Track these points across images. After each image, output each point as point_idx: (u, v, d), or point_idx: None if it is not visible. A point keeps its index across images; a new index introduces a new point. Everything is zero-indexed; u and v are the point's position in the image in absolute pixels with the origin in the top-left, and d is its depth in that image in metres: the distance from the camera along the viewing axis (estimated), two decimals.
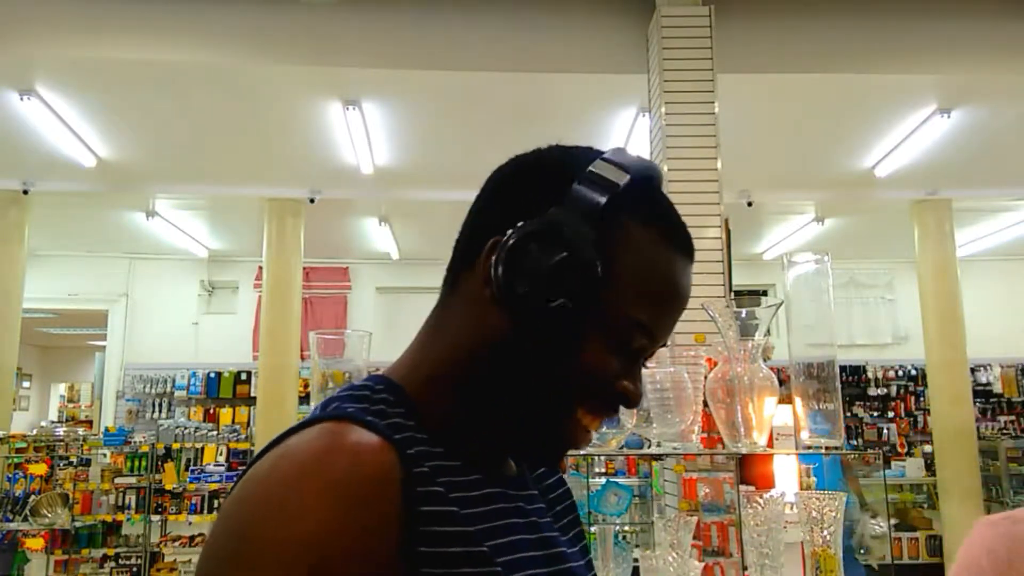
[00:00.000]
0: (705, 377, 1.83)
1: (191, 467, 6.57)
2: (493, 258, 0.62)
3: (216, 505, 6.51)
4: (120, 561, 6.32)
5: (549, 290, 0.60)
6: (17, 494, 5.95)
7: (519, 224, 0.62)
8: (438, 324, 0.69)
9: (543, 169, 0.67)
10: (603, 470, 6.88)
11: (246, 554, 0.52)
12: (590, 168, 0.63)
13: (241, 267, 9.06)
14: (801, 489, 1.91)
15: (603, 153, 0.66)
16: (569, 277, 0.60)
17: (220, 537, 0.55)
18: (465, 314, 0.66)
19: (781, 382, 1.76)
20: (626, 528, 4.90)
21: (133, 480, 6.33)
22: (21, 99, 4.76)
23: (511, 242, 0.61)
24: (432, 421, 0.65)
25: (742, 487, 1.99)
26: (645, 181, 0.65)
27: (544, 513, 0.74)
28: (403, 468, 0.57)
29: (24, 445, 6.31)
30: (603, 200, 0.62)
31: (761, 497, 1.68)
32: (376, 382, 0.66)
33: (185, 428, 6.96)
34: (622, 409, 0.68)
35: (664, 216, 0.66)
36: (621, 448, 1.84)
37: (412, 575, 0.55)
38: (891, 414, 8.91)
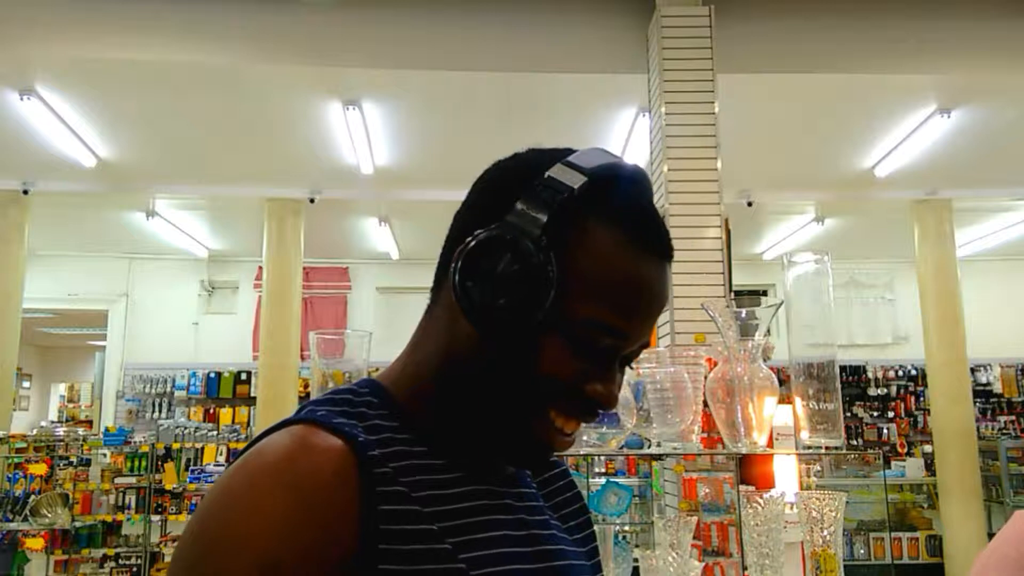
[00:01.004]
0: (705, 377, 1.83)
1: (191, 467, 6.57)
2: (453, 266, 0.63)
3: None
4: (120, 561, 6.32)
5: (500, 297, 0.60)
6: (17, 494, 5.95)
7: (476, 231, 0.62)
8: (423, 329, 0.71)
9: (509, 174, 0.67)
10: (603, 470, 6.88)
11: (202, 551, 0.55)
12: (547, 172, 0.63)
13: (241, 267, 9.06)
14: (801, 489, 1.91)
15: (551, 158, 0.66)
16: (518, 283, 0.60)
17: (185, 534, 0.57)
18: (442, 320, 0.67)
19: (781, 382, 1.76)
20: (626, 528, 4.89)
21: (133, 480, 6.33)
22: (21, 99, 4.76)
23: (465, 250, 0.62)
24: (416, 422, 0.66)
25: (742, 487, 1.99)
26: (609, 181, 0.64)
27: (540, 510, 0.74)
28: (362, 469, 0.58)
29: (24, 445, 6.31)
30: (554, 204, 0.61)
31: (761, 497, 1.68)
32: (361, 385, 0.68)
33: (185, 428, 6.96)
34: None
35: (631, 215, 0.65)
36: (621, 448, 1.84)
37: (371, 573, 0.56)
38: (891, 414, 8.91)
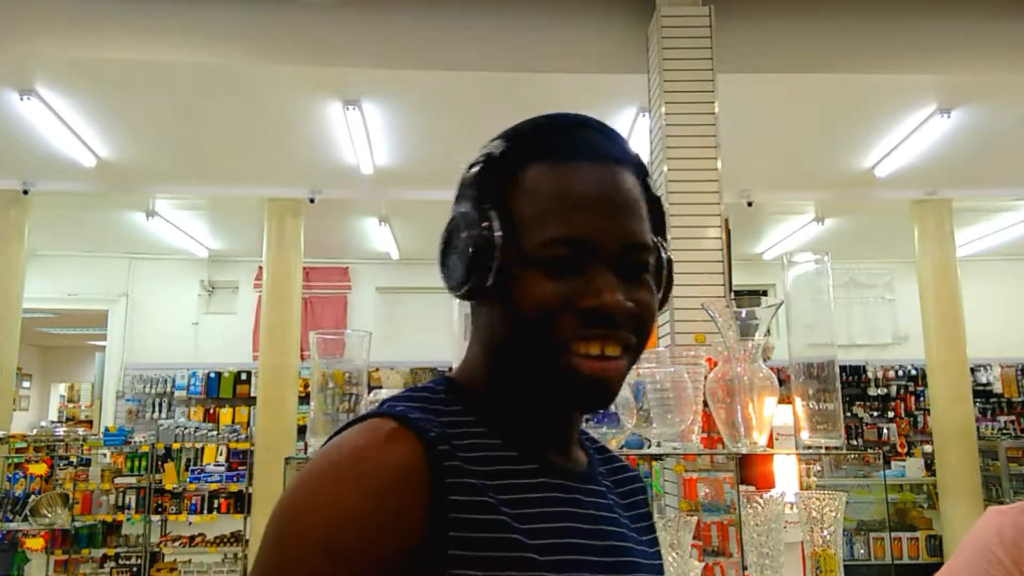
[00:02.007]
0: (705, 377, 1.83)
1: (191, 467, 6.57)
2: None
3: (216, 505, 6.52)
4: (120, 561, 6.32)
5: (463, 267, 0.69)
6: (17, 494, 5.95)
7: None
8: (473, 328, 0.77)
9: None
10: None
11: (277, 534, 0.60)
12: (482, 154, 0.72)
13: (241, 267, 9.06)
14: (801, 489, 1.91)
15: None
16: (468, 249, 0.68)
17: (270, 518, 0.62)
18: (474, 315, 0.75)
19: (781, 382, 1.76)
20: None
21: (133, 480, 6.33)
22: (21, 99, 4.76)
23: (440, 247, 0.73)
24: (488, 416, 0.70)
25: (742, 487, 1.99)
26: (527, 131, 0.72)
27: (610, 507, 0.76)
28: (432, 462, 0.62)
29: (24, 445, 6.31)
30: (482, 175, 0.71)
31: (761, 497, 1.68)
32: (438, 383, 0.73)
33: (185, 428, 6.96)
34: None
35: (549, 144, 0.71)
36: (621, 448, 1.84)
37: (441, 558, 0.59)
38: (891, 414, 8.91)
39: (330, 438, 0.66)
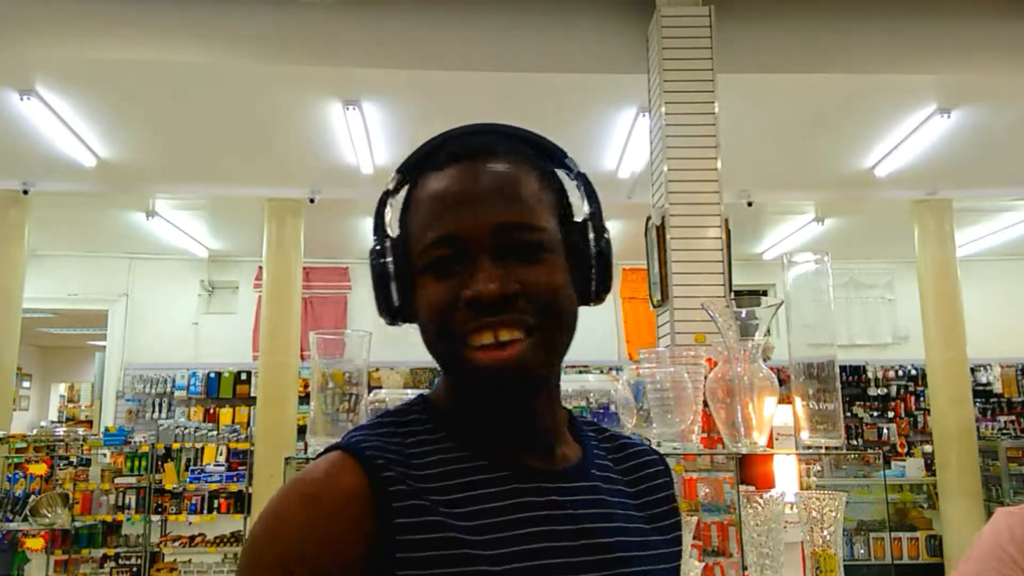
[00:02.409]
0: (705, 377, 1.83)
1: (191, 467, 6.56)
2: None
3: (216, 505, 6.52)
4: (120, 561, 6.32)
5: (380, 293, 0.76)
6: (17, 494, 5.95)
7: None
8: None
9: None
10: None
11: (245, 548, 0.68)
12: (382, 194, 0.79)
13: (241, 267, 9.06)
14: (801, 489, 1.91)
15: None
16: (376, 275, 0.76)
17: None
18: None
19: (781, 382, 1.76)
20: None
21: (133, 480, 6.33)
22: (21, 99, 4.76)
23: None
24: (458, 428, 0.74)
25: (742, 487, 1.99)
26: (420, 153, 0.77)
27: (603, 502, 0.74)
28: (375, 488, 0.66)
29: (24, 445, 6.30)
30: (380, 211, 0.78)
31: (761, 497, 1.68)
32: (414, 402, 0.78)
33: (185, 428, 6.95)
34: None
35: (421, 164, 0.77)
36: None
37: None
38: (891, 414, 8.91)
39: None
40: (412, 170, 0.77)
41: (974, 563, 1.09)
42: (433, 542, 0.64)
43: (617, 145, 5.64)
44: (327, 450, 0.71)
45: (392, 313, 0.76)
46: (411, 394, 0.97)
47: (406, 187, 0.78)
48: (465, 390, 0.74)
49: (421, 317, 0.73)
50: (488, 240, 0.69)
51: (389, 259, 0.75)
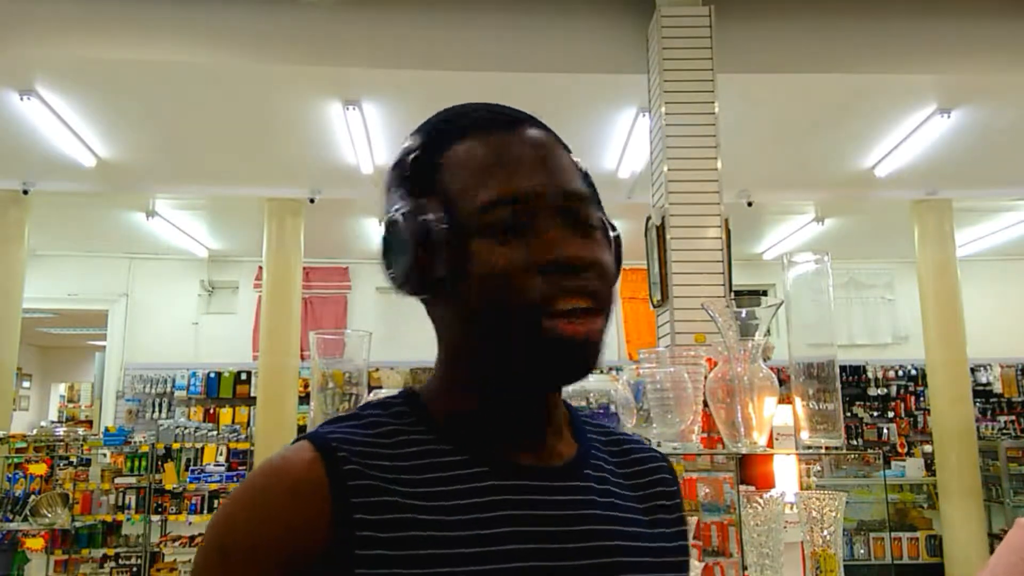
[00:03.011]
0: (705, 377, 1.83)
1: (191, 467, 6.57)
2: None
3: (216, 505, 6.51)
4: (120, 561, 6.32)
5: (407, 262, 0.68)
6: (17, 494, 5.95)
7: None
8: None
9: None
10: None
11: (206, 533, 0.66)
12: (402, 150, 0.73)
13: (241, 267, 9.06)
14: (801, 489, 1.91)
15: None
16: (414, 239, 0.67)
17: None
18: (433, 319, 0.74)
19: (781, 382, 1.76)
20: None
21: (133, 480, 6.33)
22: (21, 99, 4.76)
23: (381, 251, 0.71)
24: (445, 422, 0.70)
25: (742, 487, 1.99)
26: (439, 122, 0.73)
27: (593, 503, 0.70)
28: (331, 470, 0.63)
29: (24, 445, 6.30)
30: (406, 169, 0.71)
31: (761, 497, 1.68)
32: (397, 396, 0.74)
33: (185, 428, 6.96)
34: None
35: (462, 121, 0.71)
36: None
37: (347, 559, 0.61)
38: (891, 414, 8.91)
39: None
40: (441, 132, 0.71)
41: (1002, 571, 1.05)
42: (396, 541, 0.61)
43: (617, 145, 5.64)
44: (296, 440, 0.69)
45: (430, 283, 0.67)
46: None
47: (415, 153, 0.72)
48: (514, 368, 0.66)
49: (478, 285, 0.64)
50: (559, 206, 0.66)
51: (434, 216, 0.66)
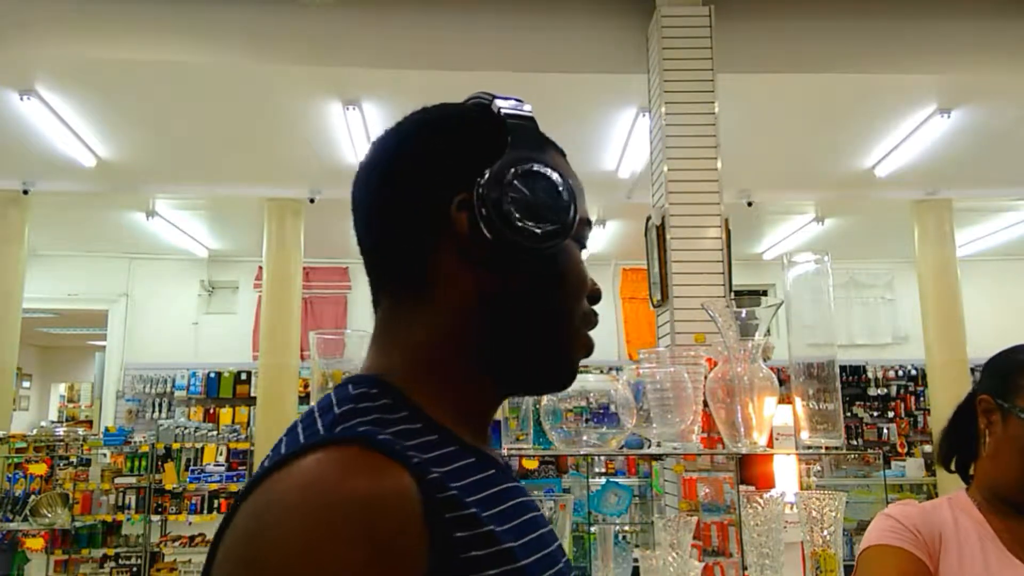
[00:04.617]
0: (705, 377, 1.83)
1: (191, 467, 6.56)
2: (467, 215, 0.61)
3: (216, 505, 6.51)
4: (120, 561, 6.32)
5: (548, 220, 0.61)
6: (17, 494, 5.95)
7: (486, 174, 0.60)
8: (401, 319, 0.65)
9: (465, 127, 0.66)
10: (603, 470, 6.88)
11: None
12: (499, 110, 0.65)
13: (241, 267, 9.06)
14: (801, 489, 1.91)
15: (487, 101, 0.67)
16: (561, 201, 0.63)
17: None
18: (438, 291, 0.63)
19: (781, 382, 1.76)
20: (626, 528, 4.89)
21: (133, 480, 6.33)
22: (21, 99, 4.76)
23: (488, 193, 0.60)
24: (430, 412, 0.60)
25: (742, 487, 1.99)
26: (533, 127, 0.68)
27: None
28: (425, 498, 0.50)
29: (24, 445, 6.30)
30: (533, 132, 0.65)
31: (761, 497, 1.68)
32: (369, 385, 0.60)
33: (185, 428, 6.95)
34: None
35: (539, 133, 0.69)
36: (621, 448, 1.84)
37: None
38: (891, 414, 8.91)
39: (278, 463, 0.52)
40: (526, 133, 0.65)
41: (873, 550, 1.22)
42: (491, 557, 0.52)
43: (617, 145, 5.64)
44: (320, 444, 0.52)
45: (567, 227, 0.63)
46: None
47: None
48: (541, 364, 0.67)
49: (561, 279, 0.65)
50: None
51: (574, 180, 0.66)
